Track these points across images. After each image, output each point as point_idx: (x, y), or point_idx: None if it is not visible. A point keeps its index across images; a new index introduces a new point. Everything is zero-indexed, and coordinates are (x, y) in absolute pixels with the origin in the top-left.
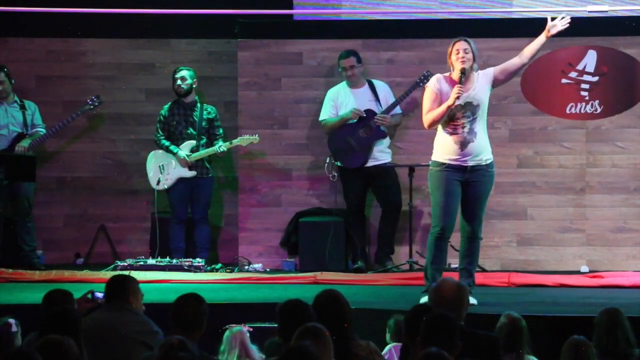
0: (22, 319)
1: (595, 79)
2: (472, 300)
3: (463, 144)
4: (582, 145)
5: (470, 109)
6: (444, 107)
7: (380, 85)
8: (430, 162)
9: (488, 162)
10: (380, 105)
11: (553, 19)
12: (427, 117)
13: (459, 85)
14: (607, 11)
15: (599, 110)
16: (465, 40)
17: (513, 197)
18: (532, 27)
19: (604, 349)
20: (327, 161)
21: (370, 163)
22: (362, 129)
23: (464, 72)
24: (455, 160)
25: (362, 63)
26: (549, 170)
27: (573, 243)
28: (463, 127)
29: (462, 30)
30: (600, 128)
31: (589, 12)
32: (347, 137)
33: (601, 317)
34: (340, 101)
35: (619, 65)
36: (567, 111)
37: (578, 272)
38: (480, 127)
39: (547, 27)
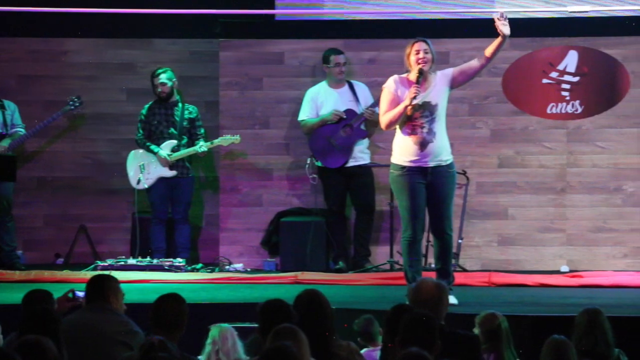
0: (2, 319)
1: (576, 79)
2: (453, 300)
3: (422, 145)
4: (562, 145)
5: (428, 108)
6: (400, 107)
7: (360, 86)
8: (390, 165)
9: (448, 162)
10: (360, 106)
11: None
12: (384, 118)
13: (416, 85)
14: (587, 11)
15: (579, 110)
16: (424, 41)
17: (494, 197)
18: (513, 27)
19: (583, 349)
20: (308, 162)
21: (350, 163)
22: (343, 128)
23: (421, 73)
24: (416, 162)
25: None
26: (530, 170)
27: (553, 243)
28: (422, 128)
29: (443, 30)
30: (581, 128)
31: (569, 12)
32: (328, 137)
33: (581, 317)
34: (321, 101)
35: (599, 66)
36: (548, 111)
37: (558, 272)
38: (439, 127)
39: (497, 28)
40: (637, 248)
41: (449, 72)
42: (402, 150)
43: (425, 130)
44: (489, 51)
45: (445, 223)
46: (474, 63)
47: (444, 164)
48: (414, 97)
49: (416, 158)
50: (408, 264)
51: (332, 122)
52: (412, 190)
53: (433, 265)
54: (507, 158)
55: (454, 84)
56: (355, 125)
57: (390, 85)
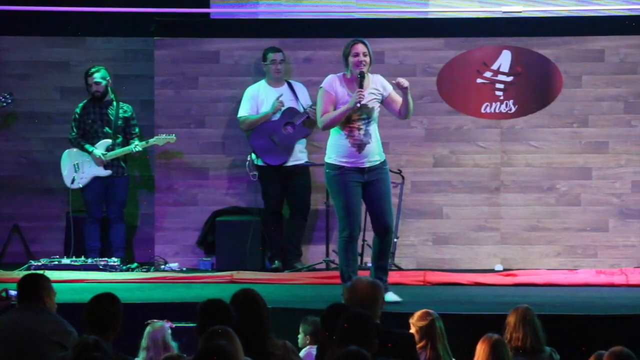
0: None
1: (510, 78)
2: (395, 297)
3: (360, 147)
4: (496, 144)
5: (366, 111)
6: (343, 109)
7: (299, 86)
8: (325, 165)
9: (382, 160)
10: (301, 105)
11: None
12: (324, 119)
13: (360, 90)
14: (521, 12)
15: (513, 109)
16: (363, 43)
17: (429, 196)
18: (447, 27)
19: (514, 345)
20: (249, 159)
21: (290, 162)
22: (284, 126)
23: (363, 76)
24: (352, 163)
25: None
26: (464, 169)
27: (488, 242)
28: (359, 130)
29: (379, 30)
30: (515, 127)
31: (503, 12)
32: (269, 135)
33: (511, 316)
34: (262, 98)
35: (533, 66)
36: (482, 111)
37: (493, 271)
38: (375, 128)
39: (397, 87)
40: (570, 247)
41: (388, 88)
42: (339, 150)
43: (362, 132)
44: (401, 109)
45: (388, 219)
46: (397, 106)
47: (378, 162)
48: (359, 102)
49: (353, 160)
50: (344, 263)
51: (275, 116)
52: (349, 189)
53: (369, 265)
54: (441, 157)
55: (384, 103)
56: (297, 123)
57: (328, 86)
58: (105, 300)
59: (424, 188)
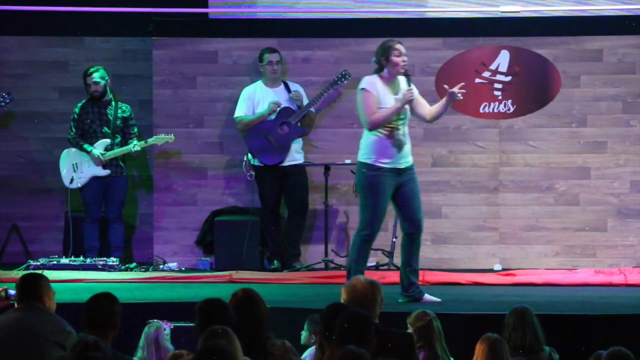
0: None
1: (508, 78)
2: (435, 299)
3: (399, 147)
4: (495, 144)
5: (403, 112)
6: (392, 108)
7: (296, 87)
8: (360, 164)
9: (412, 162)
10: (295, 105)
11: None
12: (374, 119)
13: (410, 88)
14: (519, 11)
15: (511, 109)
16: (402, 44)
17: (427, 196)
18: (445, 26)
19: (513, 344)
20: (245, 159)
21: (286, 162)
22: (280, 126)
23: (408, 75)
24: (392, 163)
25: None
26: (463, 169)
27: (486, 241)
28: (398, 130)
29: (377, 30)
30: (513, 127)
31: (501, 12)
32: (265, 135)
33: (509, 316)
34: (258, 99)
35: (531, 65)
36: (481, 110)
37: (491, 270)
38: (408, 130)
39: (447, 93)
40: (568, 246)
41: (417, 91)
42: (380, 151)
43: (400, 132)
44: (433, 111)
45: (421, 217)
46: (424, 111)
47: (411, 163)
48: (410, 100)
49: (393, 160)
50: (355, 261)
51: (270, 116)
52: (383, 193)
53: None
54: (440, 157)
55: (412, 103)
56: (293, 122)
57: (369, 86)
58: (103, 300)
59: (423, 188)
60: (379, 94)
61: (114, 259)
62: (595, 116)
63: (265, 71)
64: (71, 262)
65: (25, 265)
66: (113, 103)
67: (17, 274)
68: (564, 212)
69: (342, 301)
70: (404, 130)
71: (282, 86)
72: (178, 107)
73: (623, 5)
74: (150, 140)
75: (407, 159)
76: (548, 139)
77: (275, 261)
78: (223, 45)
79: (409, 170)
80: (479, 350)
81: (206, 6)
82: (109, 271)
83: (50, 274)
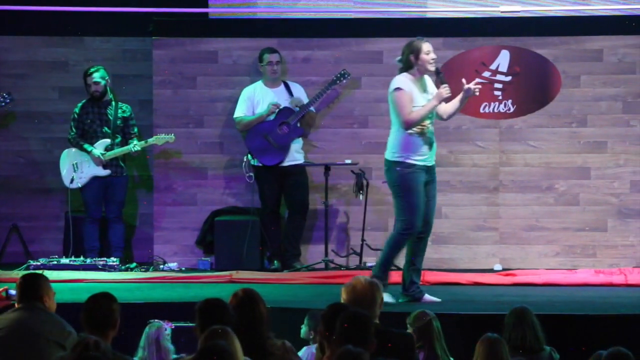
0: None
1: (508, 78)
2: (435, 298)
3: (430, 145)
4: (495, 144)
5: (433, 110)
6: (429, 106)
7: (296, 86)
8: (393, 162)
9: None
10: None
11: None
12: (412, 118)
13: (446, 85)
14: (519, 11)
15: (512, 109)
16: (429, 42)
17: None
18: (446, 26)
19: (513, 346)
20: (245, 160)
21: (286, 162)
22: (279, 126)
23: (439, 72)
24: (424, 160)
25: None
26: (463, 169)
27: (487, 241)
28: (428, 128)
29: (377, 30)
30: (513, 127)
31: (501, 12)
32: (265, 135)
33: (509, 316)
34: (258, 99)
35: (531, 65)
36: (481, 110)
37: (492, 270)
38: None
39: (463, 89)
40: (569, 246)
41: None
42: (414, 149)
43: (430, 130)
44: (449, 108)
45: (433, 219)
46: (443, 109)
47: (435, 161)
48: (447, 98)
49: (424, 157)
50: (392, 257)
51: (270, 116)
52: (420, 189)
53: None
54: (440, 157)
55: None
56: (293, 123)
57: (404, 85)
58: (102, 300)
59: None
60: (412, 92)
61: (114, 259)
62: (595, 116)
63: (265, 71)
64: (71, 262)
65: (25, 266)
66: (113, 103)
67: (18, 274)
68: (564, 212)
69: (342, 301)
70: (432, 129)
71: (282, 86)
72: (178, 107)
73: (623, 5)
74: (151, 140)
75: (434, 157)
76: (548, 139)
77: (275, 261)
78: (223, 45)
79: (433, 169)
80: (479, 350)
81: (206, 6)
82: (109, 271)
83: (51, 274)
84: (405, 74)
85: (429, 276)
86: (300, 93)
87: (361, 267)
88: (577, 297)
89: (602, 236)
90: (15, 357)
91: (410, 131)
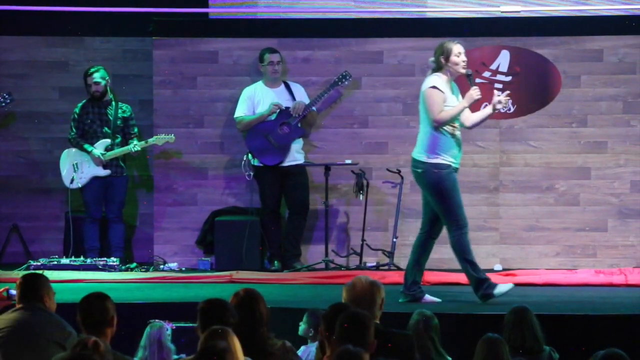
0: None
1: (509, 78)
2: (436, 299)
3: (459, 146)
4: (495, 144)
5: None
6: (460, 107)
7: (296, 86)
8: (430, 165)
9: None
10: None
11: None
12: (443, 117)
13: (476, 86)
14: (519, 11)
15: (512, 109)
16: (461, 43)
17: None
18: (446, 26)
19: (513, 346)
20: (245, 159)
21: (286, 162)
22: (280, 126)
23: (471, 74)
24: (455, 162)
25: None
26: (463, 169)
27: (487, 241)
28: (458, 129)
29: (377, 30)
30: (514, 127)
31: (501, 12)
32: (266, 135)
33: (509, 316)
34: (258, 99)
35: (531, 65)
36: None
37: (492, 270)
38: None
39: (492, 102)
40: (569, 247)
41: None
42: (448, 149)
43: (459, 132)
44: (473, 118)
45: None
46: (466, 115)
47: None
48: (478, 99)
49: (455, 159)
50: (469, 251)
51: (271, 117)
52: (458, 186)
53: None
54: None
55: None
56: (294, 123)
57: (439, 85)
58: (95, 300)
59: None
60: (445, 92)
61: (115, 259)
62: (595, 116)
63: (265, 71)
64: (71, 262)
65: (25, 266)
66: (113, 103)
67: (18, 274)
68: (564, 212)
69: (343, 301)
70: (460, 130)
71: (282, 86)
72: (178, 107)
73: (623, 5)
74: (151, 141)
75: (459, 160)
76: (548, 139)
77: (275, 261)
78: (223, 45)
79: (458, 169)
80: (479, 350)
81: (206, 6)
82: (109, 271)
83: (51, 274)
84: (438, 74)
85: (429, 276)
86: (301, 93)
87: (361, 267)
88: (577, 297)
89: (602, 236)
90: (16, 357)
91: (443, 132)
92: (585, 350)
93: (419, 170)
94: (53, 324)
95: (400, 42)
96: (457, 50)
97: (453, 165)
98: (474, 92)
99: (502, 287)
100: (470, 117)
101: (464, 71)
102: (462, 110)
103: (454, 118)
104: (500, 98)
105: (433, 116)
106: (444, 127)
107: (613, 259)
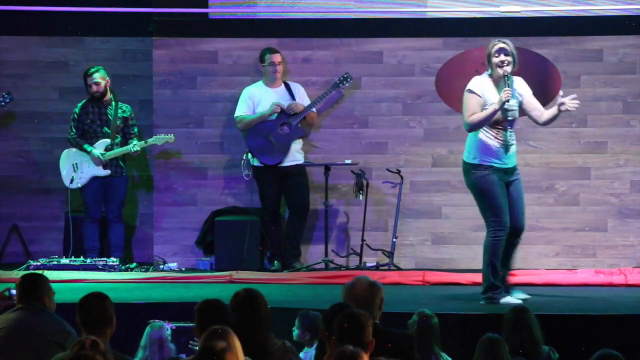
0: None
1: None
2: (524, 295)
3: (506, 148)
4: None
5: (511, 113)
6: (490, 110)
7: (296, 86)
8: (469, 166)
9: (516, 163)
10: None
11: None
12: (471, 120)
13: (507, 89)
14: (519, 11)
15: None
16: (505, 43)
17: (428, 196)
18: (446, 26)
19: (512, 346)
20: (244, 158)
21: (286, 162)
22: (280, 126)
23: (507, 77)
24: (499, 163)
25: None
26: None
27: None
28: (505, 131)
29: (377, 30)
30: (513, 127)
31: (501, 12)
32: (266, 134)
33: (509, 315)
34: (258, 99)
35: (531, 65)
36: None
37: None
38: (515, 130)
39: (557, 103)
40: (569, 247)
41: (528, 92)
42: (487, 151)
43: (508, 133)
44: (546, 115)
45: (525, 219)
46: (536, 114)
47: (516, 164)
48: (507, 101)
49: (501, 160)
50: (496, 261)
51: (272, 116)
52: (499, 188)
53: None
54: (440, 157)
55: (522, 106)
56: (294, 123)
57: (475, 88)
58: (93, 300)
59: (423, 188)
60: (484, 95)
61: (114, 259)
62: (595, 116)
63: (266, 71)
64: (71, 262)
65: (25, 266)
66: (113, 103)
67: (18, 274)
68: (564, 212)
69: (342, 301)
70: (511, 131)
71: (282, 86)
72: (178, 107)
73: (623, 5)
74: (150, 141)
75: (513, 159)
76: (548, 139)
77: (275, 261)
78: (223, 45)
79: (514, 170)
80: (479, 350)
81: (206, 6)
82: (109, 271)
83: (51, 274)
84: (485, 74)
85: (429, 276)
86: (301, 93)
87: (361, 267)
88: (577, 297)
89: (602, 236)
90: (16, 357)
91: (486, 134)
92: (585, 350)
93: (463, 170)
94: (53, 324)
95: (400, 42)
96: (496, 51)
97: (496, 166)
98: (503, 95)
99: (511, 299)
100: (542, 115)
101: (500, 72)
102: (493, 113)
103: (486, 120)
104: (565, 99)
105: (464, 119)
106: (485, 129)
107: (613, 259)
